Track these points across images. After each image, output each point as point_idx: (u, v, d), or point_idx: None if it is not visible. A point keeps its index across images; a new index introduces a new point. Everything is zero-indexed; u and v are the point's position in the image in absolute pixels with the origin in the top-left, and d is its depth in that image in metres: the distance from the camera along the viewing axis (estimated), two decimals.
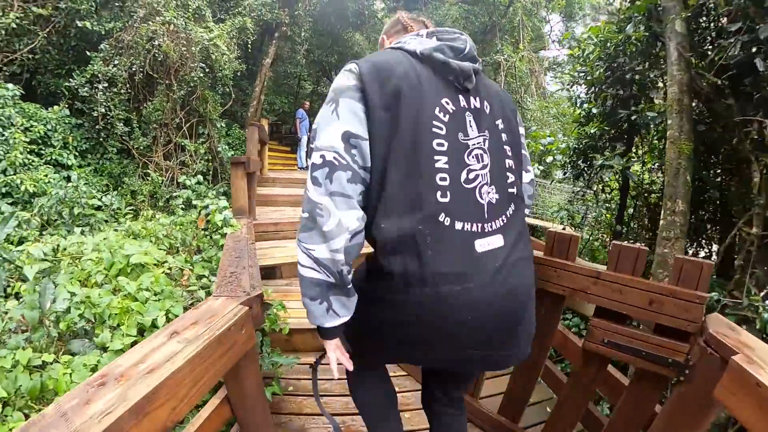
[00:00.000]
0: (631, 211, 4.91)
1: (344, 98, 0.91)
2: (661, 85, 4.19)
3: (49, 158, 5.67)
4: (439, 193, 0.89)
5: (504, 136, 1.04)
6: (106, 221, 4.10)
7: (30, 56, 6.17)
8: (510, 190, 1.00)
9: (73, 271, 2.29)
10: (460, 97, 0.98)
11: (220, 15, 7.68)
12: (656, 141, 4.38)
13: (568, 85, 5.33)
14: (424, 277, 0.87)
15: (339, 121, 0.90)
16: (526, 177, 1.19)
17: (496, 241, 0.94)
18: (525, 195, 1.16)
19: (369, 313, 0.99)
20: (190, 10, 6.46)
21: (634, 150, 4.70)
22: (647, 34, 4.05)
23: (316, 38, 11.95)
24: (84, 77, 5.86)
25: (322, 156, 0.88)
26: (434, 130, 0.91)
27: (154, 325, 1.88)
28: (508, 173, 1.01)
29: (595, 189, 4.98)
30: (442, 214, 0.88)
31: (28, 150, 5.30)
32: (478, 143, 0.96)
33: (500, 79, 12.36)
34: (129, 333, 1.90)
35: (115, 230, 3.41)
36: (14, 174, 4.79)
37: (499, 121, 1.03)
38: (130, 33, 5.99)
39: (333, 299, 0.93)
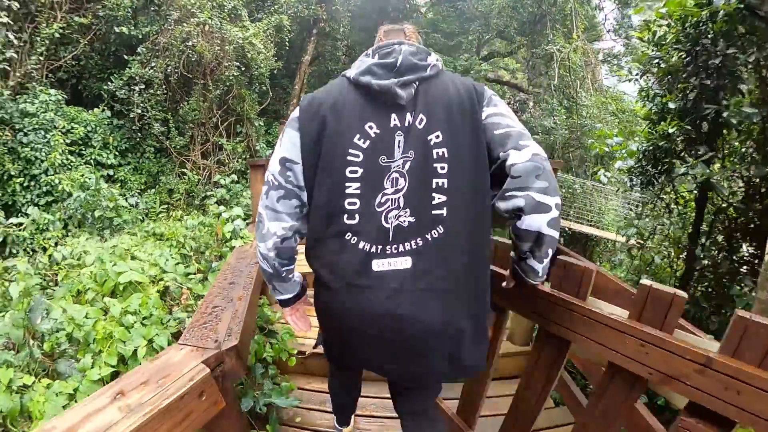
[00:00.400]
0: (704, 226, 4.14)
1: (288, 129, 1.08)
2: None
3: (89, 158, 5.78)
4: (346, 216, 0.97)
5: (437, 153, 0.98)
6: (134, 222, 4.01)
7: (74, 63, 6.36)
8: (435, 212, 0.96)
9: (73, 283, 2.10)
10: (393, 116, 0.99)
11: (257, 14, 7.56)
12: (738, 143, 3.57)
13: (637, 75, 4.57)
14: (334, 286, 1.00)
15: (281, 148, 1.08)
16: (513, 157, 0.96)
17: (400, 263, 0.95)
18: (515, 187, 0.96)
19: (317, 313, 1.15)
20: (226, 10, 6.36)
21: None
22: (741, 6, 3.30)
23: (357, 34, 11.69)
24: (121, 80, 5.92)
25: (266, 176, 1.09)
26: (349, 158, 0.98)
27: (135, 355, 1.62)
28: (434, 194, 0.97)
29: (667, 200, 4.22)
30: (348, 234, 0.97)
31: (69, 151, 5.40)
32: (397, 166, 0.97)
33: (552, 72, 11.48)
34: (109, 362, 1.65)
35: (133, 234, 3.27)
36: (54, 174, 4.87)
37: (433, 136, 0.98)
38: (166, 35, 5.98)
39: (275, 283, 1.21)
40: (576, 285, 1.24)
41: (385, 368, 1.10)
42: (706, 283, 4.13)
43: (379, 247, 0.96)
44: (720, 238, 3.95)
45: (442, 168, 0.97)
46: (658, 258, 3.99)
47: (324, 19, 8.67)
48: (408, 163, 0.97)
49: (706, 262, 3.80)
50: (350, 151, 0.98)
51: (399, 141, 0.98)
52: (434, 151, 0.97)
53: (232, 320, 1.27)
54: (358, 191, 0.97)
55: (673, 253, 4.24)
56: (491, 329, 1.44)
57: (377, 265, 0.96)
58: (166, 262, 2.36)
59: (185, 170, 6.14)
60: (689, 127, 3.62)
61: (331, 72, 12.99)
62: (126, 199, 3.91)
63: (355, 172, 0.97)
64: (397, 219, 0.96)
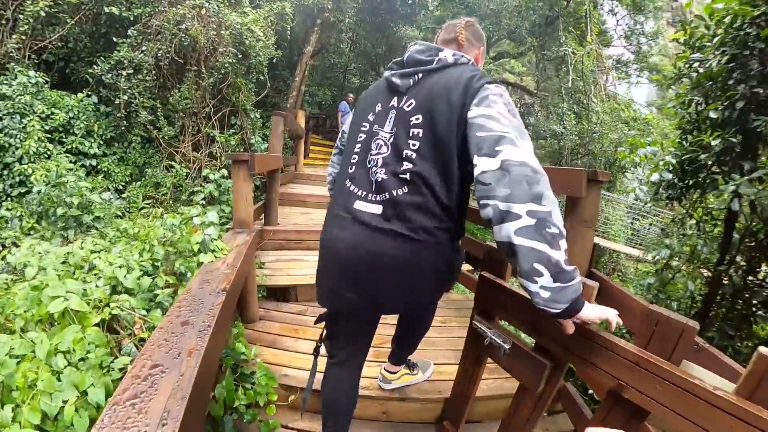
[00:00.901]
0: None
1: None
2: None
3: (70, 146, 5.38)
4: (350, 166, 1.29)
5: (413, 132, 1.17)
6: (110, 220, 3.60)
7: (62, 45, 5.94)
8: (402, 175, 1.15)
9: (4, 304, 1.71)
10: (394, 99, 1.25)
11: (259, 1, 7.14)
12: None
13: (671, 81, 4.14)
14: (329, 218, 1.33)
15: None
16: (483, 165, 1.01)
17: (373, 208, 1.19)
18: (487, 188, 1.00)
19: None
20: None
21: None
22: None
23: (363, 28, 11.28)
24: (108, 64, 5.50)
25: None
26: (362, 126, 1.30)
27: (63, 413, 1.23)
28: (405, 162, 1.16)
29: (697, 217, 3.83)
30: (348, 180, 1.28)
31: (48, 138, 5.00)
32: (383, 136, 1.23)
33: (563, 75, 11.10)
34: (31, 419, 1.27)
35: (103, 236, 2.87)
36: (29, 163, 4.47)
37: (413, 117, 1.18)
38: (159, 18, 5.56)
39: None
40: (670, 344, 1.05)
41: (346, 297, 1.26)
42: (734, 309, 3.78)
43: (364, 192, 1.22)
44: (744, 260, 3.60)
45: (414, 144, 1.16)
46: (691, 284, 3.59)
47: (329, 9, 8.26)
48: (392, 137, 1.20)
49: (736, 280, 3.42)
50: (362, 123, 1.31)
51: (390, 117, 1.23)
52: (411, 130, 1.17)
53: (173, 395, 0.89)
54: (358, 151, 1.28)
55: (704, 274, 3.86)
56: (543, 386, 1.22)
57: (358, 205, 1.21)
58: (126, 274, 1.97)
59: (173, 162, 5.72)
60: (734, 140, 3.18)
61: (335, 65, 12.61)
62: (101, 194, 3.50)
63: (361, 137, 1.29)
64: (377, 175, 1.19)
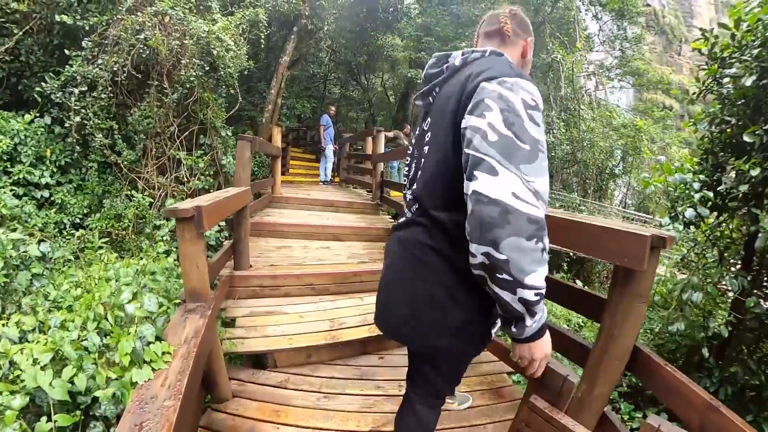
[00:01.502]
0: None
1: None
2: None
3: (17, 177, 4.71)
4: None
5: (425, 150, 1.16)
6: (49, 278, 3.01)
7: (11, 58, 5.27)
8: (413, 194, 1.17)
9: None
10: (425, 120, 1.23)
11: (231, 8, 6.59)
12: None
13: (694, 95, 3.76)
14: None
15: None
16: (466, 187, 0.95)
17: (402, 226, 1.20)
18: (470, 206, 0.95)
19: None
20: (192, 0, 5.38)
21: None
22: None
23: (343, 36, 10.80)
24: (58, 80, 4.86)
25: None
26: (408, 150, 1.33)
27: None
28: (418, 179, 1.16)
29: (722, 247, 3.45)
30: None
31: None
32: (415, 156, 1.23)
33: (549, 82, 10.84)
34: None
35: (32, 309, 2.29)
36: None
37: (427, 136, 1.16)
38: (116, 27, 4.96)
39: None
40: None
41: (379, 320, 1.27)
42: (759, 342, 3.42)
43: (406, 210, 1.24)
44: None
45: (423, 164, 1.16)
46: (715, 320, 3.20)
47: (306, 16, 7.75)
48: (415, 151, 1.24)
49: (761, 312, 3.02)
50: (409, 147, 1.32)
51: (421, 139, 1.21)
52: (423, 148, 1.17)
53: None
54: (406, 174, 1.31)
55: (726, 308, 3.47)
56: None
57: (397, 225, 1.25)
58: (52, 381, 1.42)
59: (134, 192, 5.10)
60: None
61: (314, 76, 12.08)
62: (38, 245, 2.90)
63: (406, 160, 1.32)
64: (407, 198, 1.24)
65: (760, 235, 2.69)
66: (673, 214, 3.62)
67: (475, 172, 0.87)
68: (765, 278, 3.33)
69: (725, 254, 3.51)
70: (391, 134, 9.33)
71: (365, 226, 5.22)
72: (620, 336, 1.43)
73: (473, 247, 0.87)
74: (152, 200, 5.18)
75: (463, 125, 0.96)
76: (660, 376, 1.43)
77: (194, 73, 5.11)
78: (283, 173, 9.76)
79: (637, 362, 1.49)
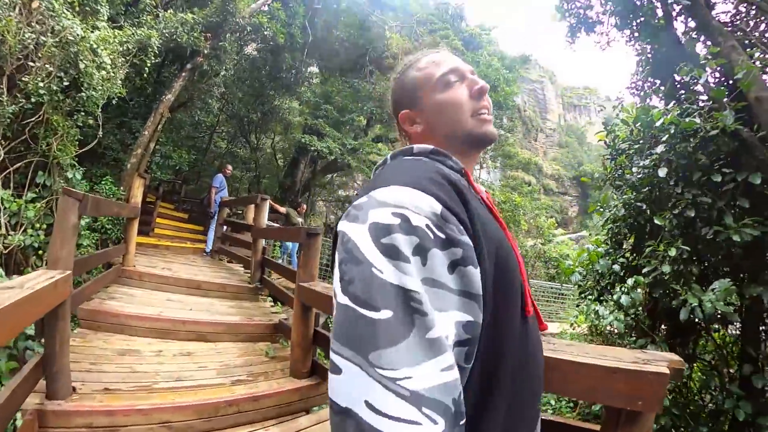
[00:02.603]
0: None
1: None
2: None
3: None
4: None
5: None
6: None
7: None
8: None
9: None
10: None
11: (123, 22, 5.24)
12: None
13: (601, 180, 4.16)
14: None
15: None
16: None
17: None
18: None
19: None
20: None
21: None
22: (741, 127, 3.05)
23: (240, 87, 9.89)
24: None
25: None
26: None
27: None
28: None
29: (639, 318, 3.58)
30: None
31: None
32: None
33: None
34: None
35: None
36: None
37: None
38: None
39: None
40: None
41: None
42: None
43: None
44: None
45: None
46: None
47: (205, 55, 6.71)
48: None
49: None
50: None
51: None
52: None
53: None
54: None
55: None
56: None
57: None
58: None
59: None
60: (687, 248, 3.12)
61: (199, 123, 10.60)
62: None
63: None
64: None
65: (683, 309, 2.86)
66: (601, 298, 3.88)
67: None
68: (676, 345, 3.57)
69: (641, 326, 3.62)
70: (283, 210, 8.42)
71: (242, 321, 4.03)
72: None
73: None
74: None
75: None
76: None
77: (46, 85, 3.59)
78: (146, 233, 7.77)
79: None
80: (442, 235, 0.51)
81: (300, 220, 8.62)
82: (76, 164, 4.37)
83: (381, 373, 0.45)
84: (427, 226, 0.51)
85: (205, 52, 6.61)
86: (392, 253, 0.49)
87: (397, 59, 12.29)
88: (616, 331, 3.40)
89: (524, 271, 0.69)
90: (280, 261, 8.09)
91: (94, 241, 4.99)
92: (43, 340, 2.32)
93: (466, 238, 0.53)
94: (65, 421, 2.03)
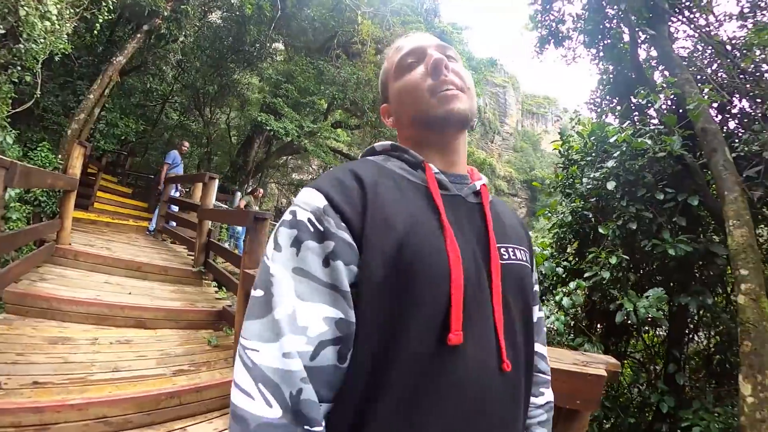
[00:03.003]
0: None
1: None
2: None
3: None
4: None
5: None
6: None
7: None
8: None
9: None
10: None
11: None
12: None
13: (552, 186, 4.41)
14: None
15: None
16: None
17: None
18: None
19: None
20: None
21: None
22: (686, 152, 3.36)
23: (198, 57, 9.29)
24: None
25: None
26: None
27: None
28: None
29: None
30: None
31: None
32: None
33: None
34: None
35: None
36: None
37: None
38: None
39: None
40: None
41: None
42: None
43: None
44: None
45: None
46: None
47: (164, 17, 6.21)
48: None
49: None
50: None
51: None
52: None
53: None
54: None
55: None
56: None
57: None
58: None
59: None
60: (626, 257, 3.42)
61: (151, 91, 9.79)
62: None
63: None
64: None
65: (618, 312, 3.15)
66: (543, 298, 4.09)
67: None
68: (611, 344, 3.97)
69: (580, 325, 3.92)
70: (242, 203, 8.13)
71: (184, 307, 3.85)
72: None
73: None
74: None
75: None
76: None
77: None
78: (85, 207, 7.16)
79: None
80: (321, 228, 0.54)
81: (256, 207, 8.36)
82: (8, 126, 3.90)
83: (240, 342, 0.51)
84: (309, 219, 0.54)
85: (165, 14, 6.11)
86: (274, 244, 0.55)
87: (366, 45, 12.13)
88: (555, 329, 3.65)
89: (460, 289, 0.55)
90: (226, 245, 7.80)
91: (25, 215, 4.52)
92: None
93: (342, 233, 0.54)
94: None
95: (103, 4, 4.54)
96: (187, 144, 7.91)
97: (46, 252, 3.91)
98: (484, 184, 0.72)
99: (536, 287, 0.79)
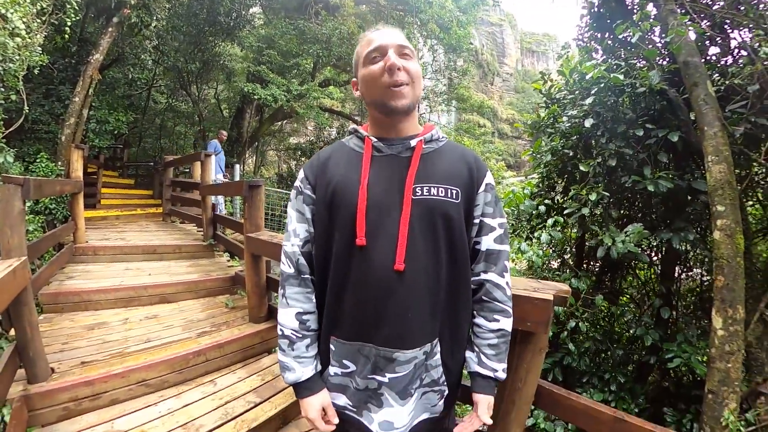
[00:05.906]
0: None
1: None
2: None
3: None
4: None
5: None
6: None
7: None
8: None
9: None
10: None
11: None
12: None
13: (533, 127, 4.32)
14: None
15: None
16: None
17: None
18: None
19: None
20: None
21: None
22: (667, 87, 3.28)
23: (175, 38, 9.06)
24: None
25: None
26: None
27: None
28: None
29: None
30: None
31: None
32: None
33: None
34: None
35: None
36: None
37: None
38: None
39: None
40: None
41: None
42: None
43: None
44: None
45: None
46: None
47: (132, 6, 6.06)
48: None
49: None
50: None
51: None
52: None
53: None
54: None
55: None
56: None
57: None
58: None
59: None
60: (607, 194, 3.40)
61: (134, 81, 9.69)
62: None
63: None
64: None
65: (600, 247, 3.19)
66: (528, 237, 4.17)
67: None
68: (606, 280, 4.13)
69: (568, 262, 4.06)
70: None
71: (200, 278, 4.14)
72: (526, 386, 1.41)
73: None
74: None
75: None
76: (565, 405, 1.49)
77: None
78: (93, 206, 7.43)
79: (541, 397, 1.51)
80: (302, 188, 1.07)
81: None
82: (5, 146, 4.05)
83: (282, 244, 1.10)
84: (298, 185, 1.08)
85: (132, 2, 5.96)
86: (291, 196, 1.10)
87: None
88: (533, 263, 3.76)
89: (363, 211, 0.92)
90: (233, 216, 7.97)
91: (39, 225, 4.78)
92: (11, 333, 2.38)
93: (308, 190, 1.05)
94: (51, 399, 2.13)
95: (68, 6, 4.48)
96: (224, 132, 8.14)
97: (67, 253, 4.21)
98: (420, 140, 1.00)
99: (487, 220, 1.03)
